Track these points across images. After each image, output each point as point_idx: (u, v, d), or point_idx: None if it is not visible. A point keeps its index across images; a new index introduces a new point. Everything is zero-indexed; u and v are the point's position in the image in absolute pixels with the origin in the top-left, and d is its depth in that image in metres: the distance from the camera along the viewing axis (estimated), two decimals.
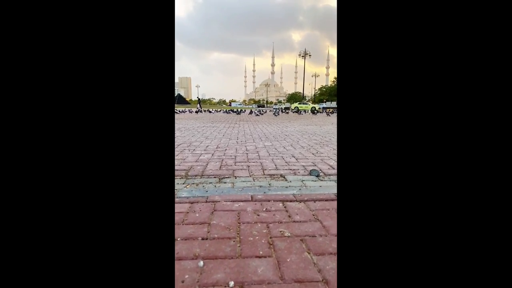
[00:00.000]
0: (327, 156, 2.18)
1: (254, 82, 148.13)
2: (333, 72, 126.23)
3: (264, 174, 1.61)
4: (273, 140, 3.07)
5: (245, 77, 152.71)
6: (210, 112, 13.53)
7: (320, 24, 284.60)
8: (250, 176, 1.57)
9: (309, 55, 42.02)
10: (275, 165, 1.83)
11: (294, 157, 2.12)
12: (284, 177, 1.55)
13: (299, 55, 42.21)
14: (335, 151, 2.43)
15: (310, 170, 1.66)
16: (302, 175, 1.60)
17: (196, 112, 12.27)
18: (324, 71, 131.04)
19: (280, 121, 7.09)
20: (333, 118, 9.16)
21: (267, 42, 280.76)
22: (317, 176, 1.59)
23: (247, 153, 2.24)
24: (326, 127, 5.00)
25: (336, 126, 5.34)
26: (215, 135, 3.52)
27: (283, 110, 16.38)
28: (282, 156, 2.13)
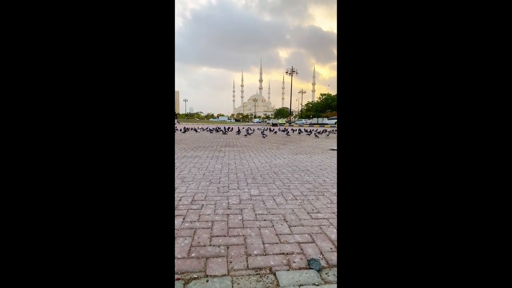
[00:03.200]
0: (326, 218, 1.80)
1: (242, 97, 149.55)
2: (319, 89, 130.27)
3: (247, 268, 1.19)
4: (261, 184, 2.67)
5: (234, 91, 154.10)
6: (195, 131, 13.02)
7: (306, 42, 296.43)
8: (229, 274, 1.14)
9: (296, 73, 43.07)
10: (263, 244, 1.41)
11: (286, 221, 1.72)
12: (274, 275, 1.14)
13: (286, 72, 43.18)
14: (333, 205, 2.06)
15: (309, 260, 1.25)
16: (299, 268, 1.20)
17: (184, 131, 11.71)
18: (310, 87, 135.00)
19: (268, 146, 6.74)
20: (322, 141, 8.95)
21: (255, 58, 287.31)
22: (319, 270, 1.19)
23: (228, 215, 1.81)
24: (317, 157, 4.68)
25: (327, 155, 5.08)
26: (193, 174, 3.07)
27: (271, 129, 16.01)
28: (271, 221, 1.72)
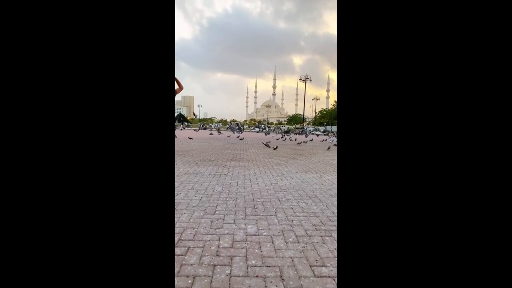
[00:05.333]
0: (332, 276, 1.48)
1: (255, 103, 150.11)
2: (333, 95, 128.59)
3: None
4: (260, 217, 2.38)
5: (247, 97, 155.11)
6: (212, 133, 12.91)
7: (320, 49, 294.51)
8: None
9: (310, 80, 42.59)
10: None
11: (282, 280, 1.42)
12: None
13: (300, 79, 42.82)
14: None
15: None
16: None
17: (208, 129, 11.52)
18: (324, 94, 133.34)
19: (276, 160, 6.44)
20: (334, 154, 8.50)
21: (269, 64, 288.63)
22: None
23: (214, 266, 1.54)
24: (327, 178, 4.31)
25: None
26: (189, 199, 2.84)
27: (282, 137, 15.54)
28: (264, 279, 1.42)
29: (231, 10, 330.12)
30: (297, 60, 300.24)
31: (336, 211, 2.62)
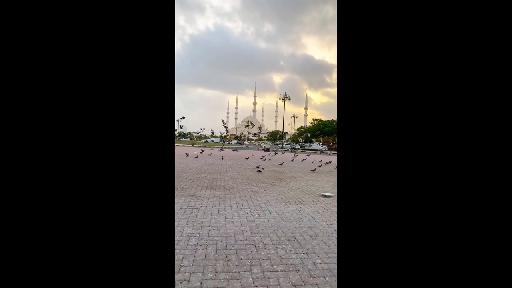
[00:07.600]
0: None
1: (236, 119, 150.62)
2: (311, 113, 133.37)
3: None
4: (233, 274, 2.06)
5: (228, 113, 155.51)
6: (188, 153, 12.29)
7: (299, 69, 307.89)
8: None
9: (289, 99, 43.88)
10: None
11: None
12: None
13: (280, 97, 43.97)
14: None
15: None
16: None
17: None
18: (302, 112, 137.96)
19: (255, 187, 6.17)
20: (316, 178, 8.44)
21: (250, 82, 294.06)
22: None
23: None
24: (308, 211, 4.12)
25: (318, 206, 4.49)
26: None
27: (268, 153, 15.49)
28: None
29: (213, 28, 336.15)
30: (277, 78, 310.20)
31: (317, 261, 2.39)
